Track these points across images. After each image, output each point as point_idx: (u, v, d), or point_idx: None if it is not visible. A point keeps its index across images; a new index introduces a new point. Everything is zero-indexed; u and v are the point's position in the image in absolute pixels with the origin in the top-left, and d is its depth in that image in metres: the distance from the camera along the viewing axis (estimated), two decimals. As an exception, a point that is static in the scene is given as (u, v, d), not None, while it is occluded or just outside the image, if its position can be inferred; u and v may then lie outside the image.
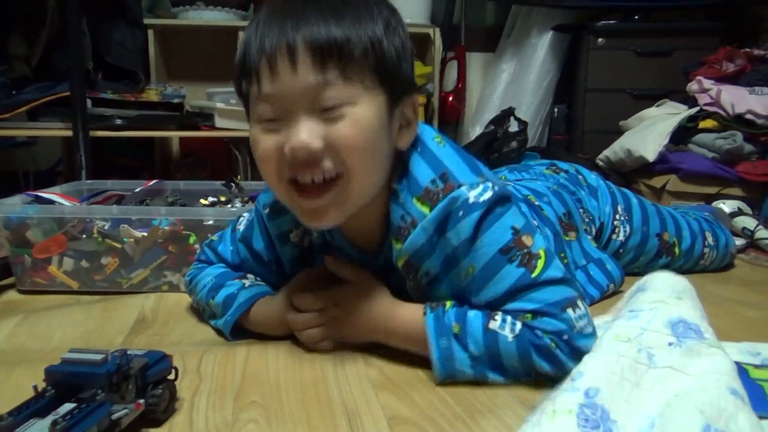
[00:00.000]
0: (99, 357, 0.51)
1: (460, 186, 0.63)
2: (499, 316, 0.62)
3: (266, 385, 0.63)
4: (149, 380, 0.53)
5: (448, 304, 0.65)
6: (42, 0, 1.60)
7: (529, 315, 0.60)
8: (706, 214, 1.21)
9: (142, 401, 0.52)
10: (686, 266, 1.09)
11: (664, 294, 0.59)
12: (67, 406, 0.48)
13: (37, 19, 1.62)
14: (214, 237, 0.87)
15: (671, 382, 0.48)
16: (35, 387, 0.50)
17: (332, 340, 0.71)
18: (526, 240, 0.63)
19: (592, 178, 1.06)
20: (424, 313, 0.64)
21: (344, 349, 0.71)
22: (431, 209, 0.63)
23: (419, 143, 0.68)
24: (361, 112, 0.60)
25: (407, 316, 0.67)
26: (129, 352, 0.53)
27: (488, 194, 0.62)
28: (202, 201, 1.18)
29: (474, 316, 0.63)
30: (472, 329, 0.62)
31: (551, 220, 0.88)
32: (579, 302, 0.62)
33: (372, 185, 0.64)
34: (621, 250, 1.03)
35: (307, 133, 0.58)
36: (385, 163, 0.65)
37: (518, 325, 0.60)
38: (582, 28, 2.15)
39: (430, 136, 0.69)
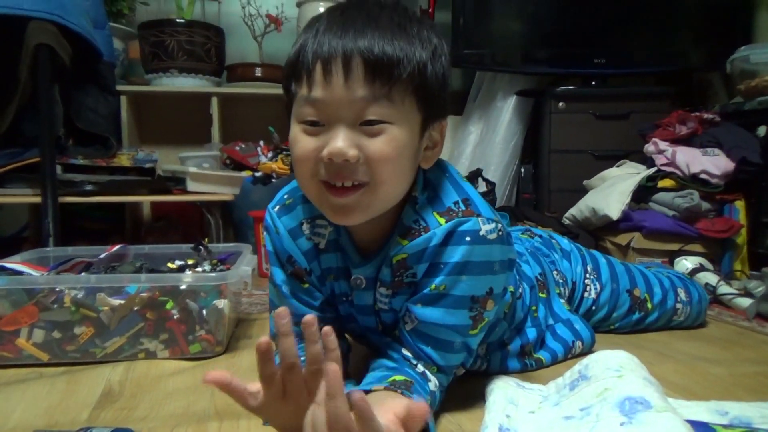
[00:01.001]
0: (64, 438, 0.49)
1: (479, 215, 0.69)
2: (432, 381, 0.70)
3: (238, 461, 0.61)
4: (116, 460, 0.52)
5: (430, 385, 0.70)
6: (14, 70, 1.61)
7: (435, 368, 0.71)
8: (681, 273, 1.24)
9: (107, 483, 0.50)
10: (660, 322, 1.11)
11: (605, 380, 0.61)
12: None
13: (8, 88, 1.63)
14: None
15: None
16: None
17: None
18: (489, 304, 0.71)
19: (565, 242, 1.12)
20: (430, 405, 0.67)
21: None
22: (447, 222, 0.68)
23: (447, 172, 0.75)
24: (397, 132, 0.64)
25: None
26: (94, 431, 0.52)
27: (494, 235, 0.68)
28: (170, 265, 1.14)
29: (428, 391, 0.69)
30: (435, 401, 0.70)
31: (529, 276, 0.94)
32: (462, 364, 0.76)
33: (395, 195, 0.69)
34: (594, 307, 1.06)
35: (345, 142, 0.62)
36: (409, 177, 0.69)
37: (437, 381, 0.71)
38: (543, 92, 2.25)
39: (455, 171, 0.76)
